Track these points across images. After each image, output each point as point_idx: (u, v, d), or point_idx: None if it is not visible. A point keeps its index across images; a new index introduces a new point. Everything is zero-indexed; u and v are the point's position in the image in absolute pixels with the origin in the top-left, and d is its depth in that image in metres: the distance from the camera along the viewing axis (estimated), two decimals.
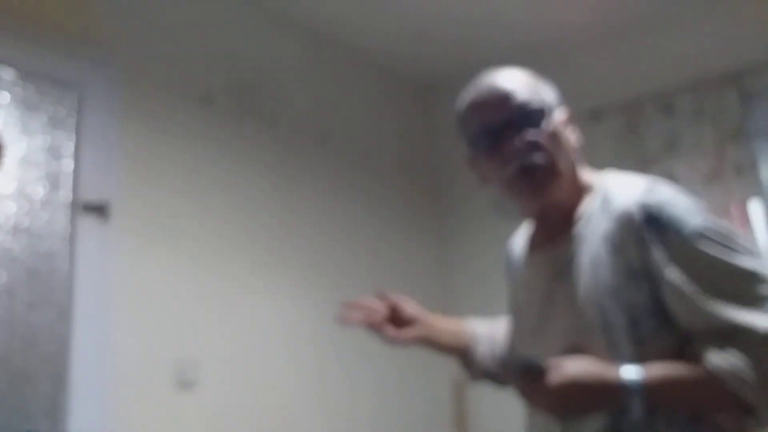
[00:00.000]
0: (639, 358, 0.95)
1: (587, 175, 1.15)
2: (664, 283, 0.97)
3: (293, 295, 2.55)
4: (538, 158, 1.07)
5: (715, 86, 2.72)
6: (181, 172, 2.26)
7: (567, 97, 1.21)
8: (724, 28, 2.78)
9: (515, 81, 1.14)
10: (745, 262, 0.94)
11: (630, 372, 0.93)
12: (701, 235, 0.96)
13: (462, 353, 1.29)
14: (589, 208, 1.10)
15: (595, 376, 0.94)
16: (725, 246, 0.95)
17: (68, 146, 2.01)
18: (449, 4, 2.77)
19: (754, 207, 2.59)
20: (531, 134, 1.08)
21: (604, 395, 0.93)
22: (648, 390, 0.91)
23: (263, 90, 2.62)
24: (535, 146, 1.08)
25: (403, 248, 3.08)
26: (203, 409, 2.14)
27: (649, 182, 1.06)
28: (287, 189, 2.62)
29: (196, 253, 2.24)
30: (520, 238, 1.28)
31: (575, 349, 1.00)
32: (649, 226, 1.00)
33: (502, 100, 1.11)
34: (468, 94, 1.16)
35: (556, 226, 1.12)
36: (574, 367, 0.95)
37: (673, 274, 0.96)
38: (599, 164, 1.22)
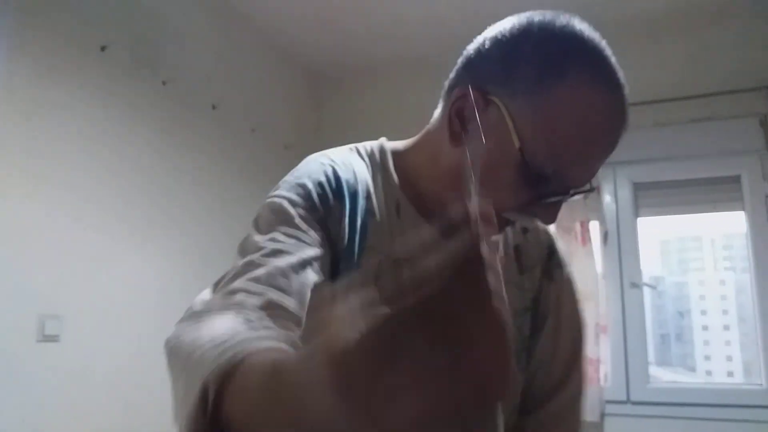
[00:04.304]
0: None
1: None
2: (549, 327, 0.84)
3: (166, 255, 2.52)
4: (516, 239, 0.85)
5: None
6: (67, 116, 2.14)
7: None
8: None
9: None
10: None
11: None
12: (572, 282, 0.89)
13: None
14: None
15: None
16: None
17: None
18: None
19: (594, 227, 2.99)
20: (551, 214, 0.72)
21: None
22: None
23: (162, 48, 2.55)
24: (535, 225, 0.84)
25: None
26: (66, 362, 2.07)
27: None
28: (173, 149, 2.57)
29: (73, 203, 2.14)
30: (363, 176, 0.83)
31: None
32: (552, 258, 0.86)
33: (615, 139, 0.69)
34: (599, 77, 0.67)
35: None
36: None
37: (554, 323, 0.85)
38: None
